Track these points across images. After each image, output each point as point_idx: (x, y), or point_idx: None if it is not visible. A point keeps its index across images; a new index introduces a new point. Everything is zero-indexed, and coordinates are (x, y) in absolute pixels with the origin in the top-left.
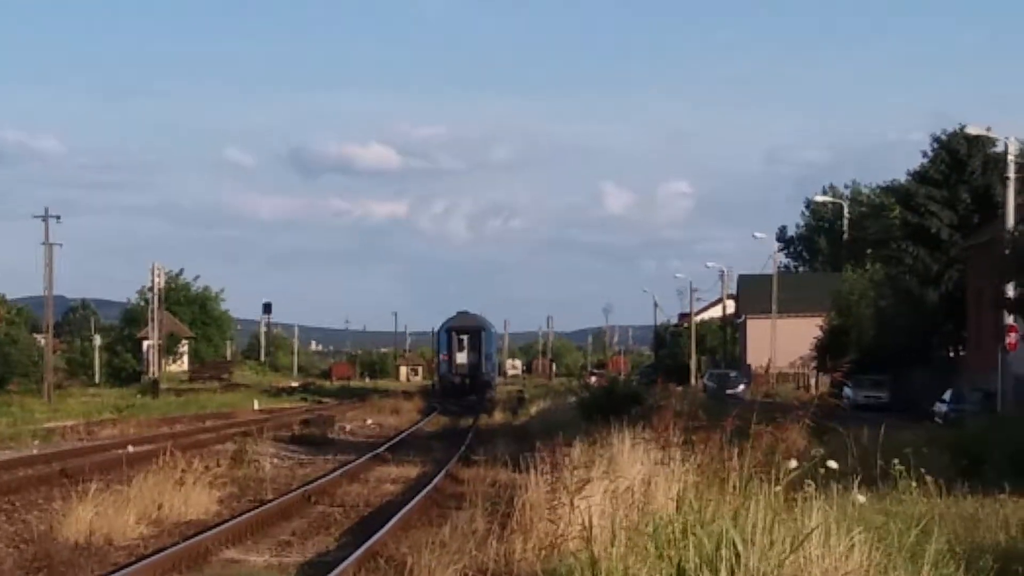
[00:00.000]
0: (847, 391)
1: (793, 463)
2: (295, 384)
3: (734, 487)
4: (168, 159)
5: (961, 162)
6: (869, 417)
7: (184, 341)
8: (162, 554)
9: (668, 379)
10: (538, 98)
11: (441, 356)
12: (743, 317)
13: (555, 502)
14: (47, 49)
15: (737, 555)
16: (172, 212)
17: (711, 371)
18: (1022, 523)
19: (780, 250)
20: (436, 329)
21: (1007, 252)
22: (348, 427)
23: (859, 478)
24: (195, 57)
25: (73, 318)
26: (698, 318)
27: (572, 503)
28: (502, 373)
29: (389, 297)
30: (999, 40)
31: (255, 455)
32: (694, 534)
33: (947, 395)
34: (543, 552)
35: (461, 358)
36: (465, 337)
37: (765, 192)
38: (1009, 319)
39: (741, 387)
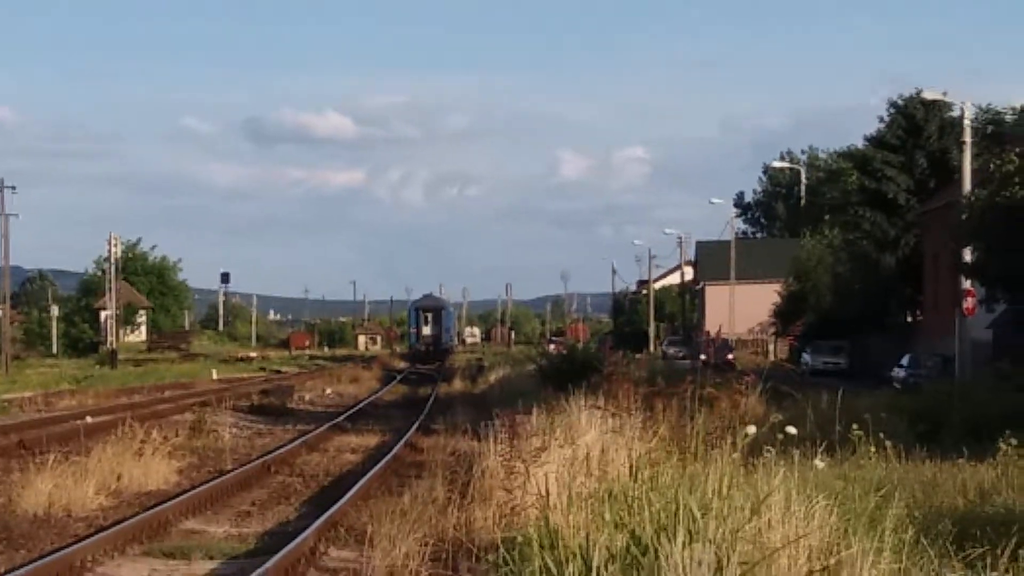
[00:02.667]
0: (805, 357)
1: (751, 428)
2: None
3: (691, 453)
4: (125, 130)
5: (918, 127)
6: (827, 383)
7: (142, 311)
8: (122, 525)
9: (618, 346)
10: (494, 70)
11: (411, 329)
12: (702, 284)
13: (512, 471)
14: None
15: (694, 521)
16: (130, 182)
17: (670, 337)
18: (980, 487)
19: (738, 216)
20: (408, 308)
21: (964, 217)
22: (307, 396)
23: (818, 444)
24: (153, 35)
25: (30, 289)
26: (657, 285)
27: (528, 472)
28: (461, 341)
29: (347, 266)
30: (955, 7)
31: (214, 425)
32: (649, 501)
33: (905, 360)
34: (503, 520)
35: (426, 331)
36: (429, 314)
37: (722, 159)
38: (966, 284)
39: (730, 356)
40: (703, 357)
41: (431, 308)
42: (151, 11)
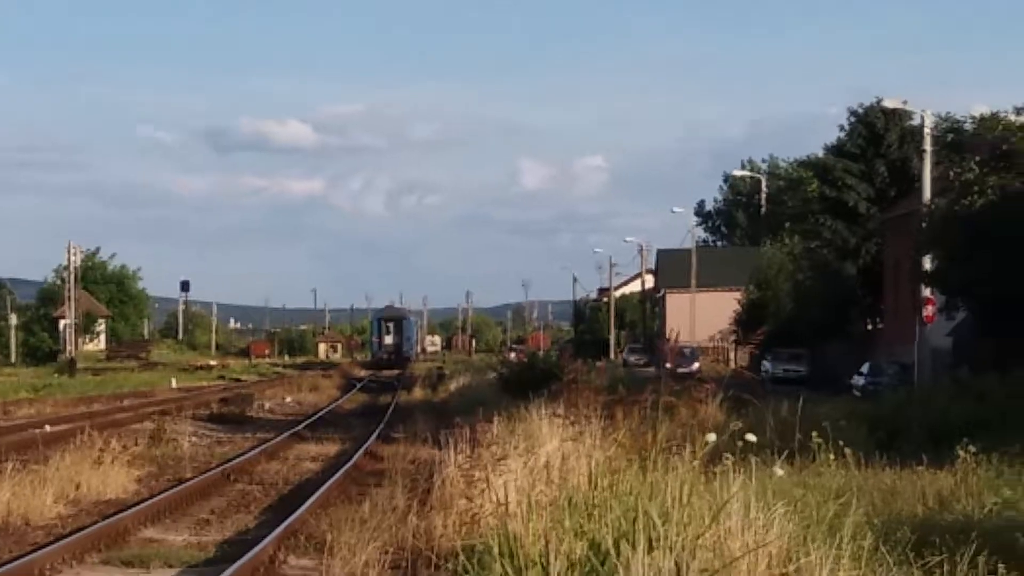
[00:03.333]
0: (766, 364)
1: (711, 436)
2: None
3: (651, 460)
4: (88, 139)
5: (878, 136)
6: (788, 390)
7: (101, 320)
8: (80, 533)
9: (579, 354)
10: (457, 79)
11: (374, 338)
12: (662, 291)
13: (472, 479)
14: None
15: (654, 528)
16: (92, 191)
17: (631, 345)
18: (939, 494)
19: (699, 224)
20: (371, 318)
21: (924, 225)
22: (267, 405)
23: (778, 451)
24: (115, 39)
25: None
26: (617, 293)
27: (488, 480)
28: (422, 350)
29: (308, 274)
30: (916, 15)
31: (173, 434)
32: (609, 508)
33: (865, 368)
34: (463, 528)
35: (388, 340)
36: (391, 324)
37: (682, 167)
38: (926, 291)
39: (696, 365)
40: (668, 366)
41: (393, 318)
42: (115, 9)
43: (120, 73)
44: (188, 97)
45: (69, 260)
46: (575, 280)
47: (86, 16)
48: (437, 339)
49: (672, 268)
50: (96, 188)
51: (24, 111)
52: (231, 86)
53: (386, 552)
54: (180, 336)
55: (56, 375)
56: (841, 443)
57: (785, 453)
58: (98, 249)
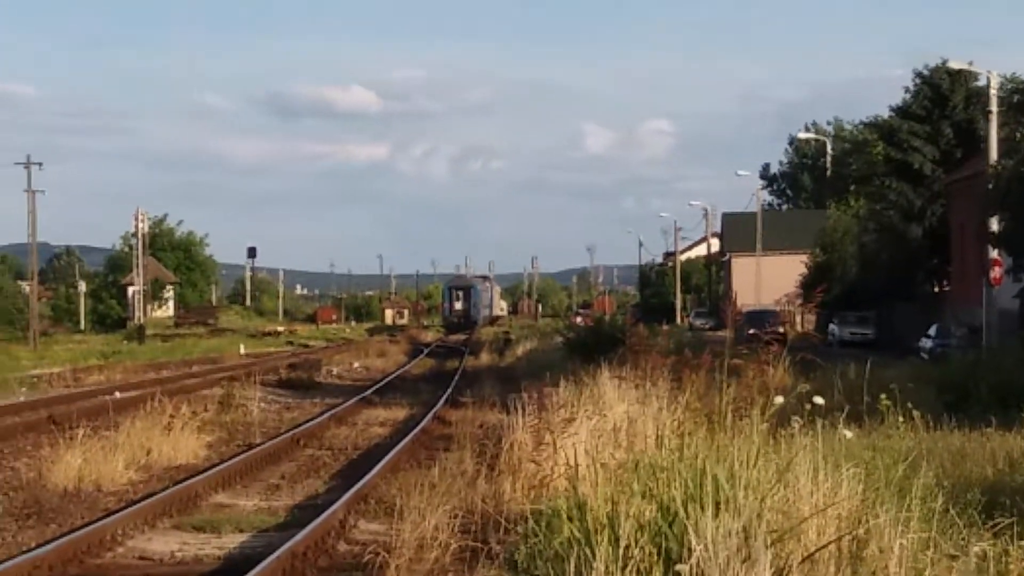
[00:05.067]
0: (832, 328)
1: (779, 399)
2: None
3: (719, 423)
4: (145, 105)
5: (943, 97)
6: (855, 353)
7: (169, 287)
8: (152, 499)
9: (644, 318)
10: (513, 42)
11: (445, 305)
12: (728, 255)
13: (540, 443)
14: None
15: (722, 491)
16: (152, 158)
17: (697, 309)
18: (1009, 456)
19: (764, 188)
20: (443, 287)
21: (990, 186)
22: (335, 370)
23: (846, 414)
24: (170, 5)
25: (57, 265)
26: (683, 257)
27: (555, 444)
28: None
29: (373, 240)
30: None
31: (243, 400)
32: (677, 471)
33: (932, 330)
34: (531, 492)
35: (458, 306)
36: (460, 292)
37: (747, 131)
38: (993, 253)
39: (781, 329)
40: (752, 331)
41: (462, 287)
42: None
43: (174, 42)
44: (248, 65)
45: (137, 227)
46: (640, 244)
47: None
48: (504, 304)
49: (737, 232)
50: (154, 154)
51: (69, 79)
52: (290, 53)
53: (455, 516)
54: (247, 302)
55: (125, 342)
56: (909, 406)
57: (853, 415)
58: (165, 216)
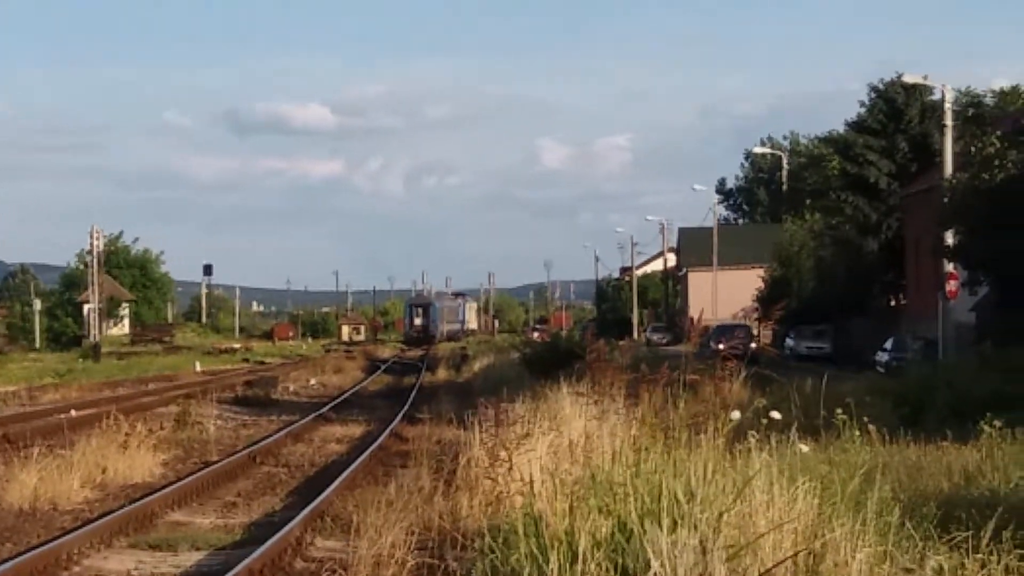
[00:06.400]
0: (789, 342)
1: (736, 414)
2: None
3: (675, 438)
4: (107, 122)
5: (899, 111)
6: (811, 367)
7: (125, 304)
8: (108, 518)
9: (601, 333)
10: (472, 58)
11: (405, 320)
12: (684, 270)
13: (497, 459)
14: None
15: (679, 506)
16: (113, 175)
17: (654, 324)
18: (964, 470)
19: (720, 202)
20: (404, 304)
21: (945, 200)
22: (292, 387)
23: (802, 428)
24: (136, 23)
25: (12, 283)
26: (640, 272)
27: (511, 460)
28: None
29: (329, 256)
30: None
31: (199, 417)
32: (633, 486)
33: (888, 344)
34: (488, 508)
35: (417, 322)
36: (420, 308)
37: (703, 145)
38: (949, 266)
39: (753, 345)
40: (718, 347)
41: (421, 304)
42: None
43: (137, 56)
44: (208, 81)
45: (92, 244)
46: (597, 259)
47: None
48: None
49: (694, 246)
50: (114, 172)
51: (40, 95)
52: (248, 69)
53: (412, 533)
54: (203, 319)
55: (81, 360)
56: (866, 419)
57: (809, 430)
58: (121, 233)
